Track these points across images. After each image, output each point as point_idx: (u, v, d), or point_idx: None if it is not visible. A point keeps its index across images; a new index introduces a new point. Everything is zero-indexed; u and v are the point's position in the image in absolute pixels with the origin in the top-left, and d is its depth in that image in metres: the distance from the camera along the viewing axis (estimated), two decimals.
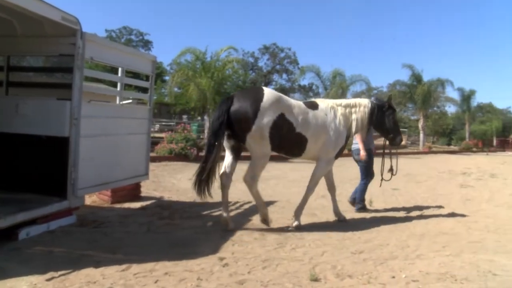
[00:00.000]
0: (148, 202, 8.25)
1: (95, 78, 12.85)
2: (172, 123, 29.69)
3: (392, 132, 7.58)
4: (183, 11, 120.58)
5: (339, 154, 7.21)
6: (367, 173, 8.57)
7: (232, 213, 7.65)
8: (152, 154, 14.61)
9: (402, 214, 8.25)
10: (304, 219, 7.24)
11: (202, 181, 6.35)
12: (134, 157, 7.73)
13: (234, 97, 6.26)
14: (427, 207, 9.02)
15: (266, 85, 60.13)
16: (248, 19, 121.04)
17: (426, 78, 38.18)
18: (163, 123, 33.33)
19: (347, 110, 7.17)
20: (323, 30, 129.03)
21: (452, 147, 48.88)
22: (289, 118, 6.33)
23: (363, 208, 8.49)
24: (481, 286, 4.22)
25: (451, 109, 62.19)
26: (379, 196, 10.11)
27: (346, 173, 14.29)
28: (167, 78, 43.57)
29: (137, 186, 8.54)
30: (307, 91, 59.40)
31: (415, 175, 15.70)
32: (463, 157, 31.00)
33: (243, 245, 5.55)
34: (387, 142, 7.78)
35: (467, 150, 41.34)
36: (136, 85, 11.43)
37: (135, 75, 14.54)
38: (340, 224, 7.06)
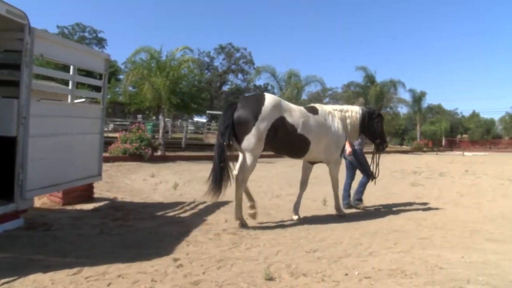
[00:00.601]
0: (101, 203, 8.06)
1: (46, 76, 12.46)
2: (126, 123, 29.22)
3: (379, 137, 8.30)
4: (139, 10, 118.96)
5: (341, 155, 7.97)
6: (366, 170, 9.02)
7: (187, 214, 7.62)
8: (105, 154, 14.30)
9: (355, 212, 8.40)
10: (259, 219, 7.27)
11: (216, 181, 6.69)
12: (86, 157, 7.54)
13: (239, 103, 6.82)
14: (380, 206, 9.24)
15: (222, 85, 60.09)
16: (204, 19, 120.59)
17: (379, 79, 39.09)
18: (117, 123, 32.76)
19: (343, 115, 7.89)
20: (279, 31, 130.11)
21: (404, 147, 50.34)
22: (290, 121, 6.89)
23: (359, 203, 9.04)
24: (429, 280, 4.34)
25: (403, 110, 64.10)
26: (332, 195, 10.24)
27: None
28: (121, 77, 42.77)
29: (89, 187, 8.32)
30: (262, 91, 59.67)
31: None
32: (414, 157, 31.92)
33: (198, 245, 5.50)
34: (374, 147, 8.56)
35: (418, 149, 42.59)
36: (89, 84, 11.14)
37: (88, 74, 14.22)
38: (295, 223, 7.11)
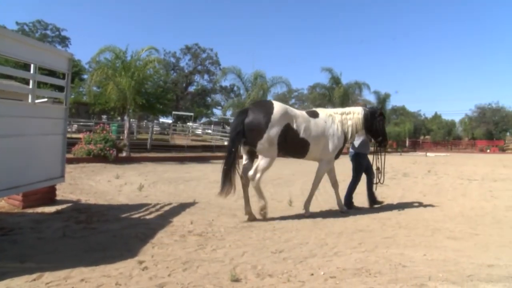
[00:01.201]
0: (64, 206, 7.89)
1: (5, 75, 12.11)
2: (91, 123, 28.61)
3: (381, 135, 8.88)
4: (103, 8, 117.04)
5: (339, 155, 8.47)
6: (355, 174, 9.44)
7: (152, 215, 7.51)
8: (69, 156, 14.06)
9: (321, 213, 8.45)
10: (225, 220, 7.27)
11: (226, 181, 7.37)
12: (48, 158, 7.35)
13: (249, 110, 7.46)
14: (346, 206, 9.29)
15: (187, 85, 59.68)
16: (170, 19, 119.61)
17: (344, 81, 39.54)
18: (81, 123, 32.07)
19: (343, 117, 8.42)
20: (246, 32, 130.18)
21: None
22: (294, 126, 7.58)
23: (375, 203, 9.53)
24: (392, 278, 4.40)
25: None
26: (299, 196, 10.31)
27: (268, 173, 14.44)
28: (85, 76, 41.95)
29: (52, 189, 8.14)
30: (228, 93, 59.59)
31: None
32: None
33: (163, 247, 5.44)
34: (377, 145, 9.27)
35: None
36: (52, 83, 10.88)
37: (51, 73, 13.89)
38: (260, 225, 7.11)
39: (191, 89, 62.27)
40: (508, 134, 72.71)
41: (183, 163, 19.87)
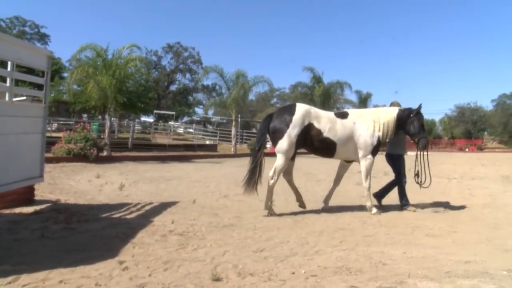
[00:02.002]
0: (43, 206, 7.78)
1: None
2: (71, 122, 28.33)
3: (417, 135, 8.63)
4: (85, 6, 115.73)
5: (375, 152, 8.55)
6: (397, 175, 9.21)
7: (133, 215, 7.45)
8: (48, 155, 13.88)
9: (302, 211, 8.46)
10: (206, 219, 7.24)
11: (251, 180, 8.05)
12: (26, 158, 7.23)
13: (274, 114, 8.37)
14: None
15: (169, 84, 59.37)
16: (152, 17, 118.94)
17: (326, 80, 39.67)
18: (61, 122, 31.74)
19: (376, 116, 8.55)
20: (228, 31, 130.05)
21: None
22: (317, 127, 8.08)
23: (406, 205, 9.06)
24: (373, 276, 4.43)
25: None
26: (280, 194, 10.32)
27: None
28: (66, 75, 41.36)
29: (30, 189, 8.01)
30: (210, 91, 59.44)
31: (316, 174, 16.26)
32: None
33: (144, 247, 5.39)
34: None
35: None
36: (31, 82, 10.71)
37: (30, 71, 13.67)
38: (242, 224, 7.10)
39: (173, 87, 62.04)
40: (485, 133, 73.93)
41: (164, 162, 19.76)
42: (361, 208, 8.88)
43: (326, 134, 8.12)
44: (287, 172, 8.53)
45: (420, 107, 8.62)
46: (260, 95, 70.32)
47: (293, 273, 4.52)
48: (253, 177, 8.08)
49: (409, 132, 8.67)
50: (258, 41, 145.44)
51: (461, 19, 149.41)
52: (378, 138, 8.44)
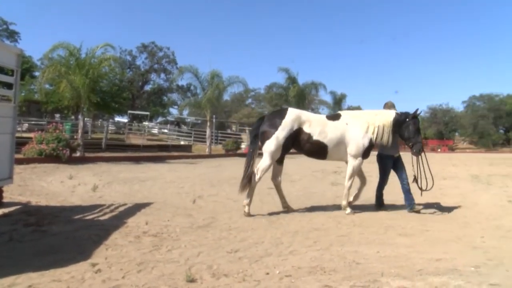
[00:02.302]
0: (12, 208, 7.62)
1: None
2: (43, 122, 27.85)
3: (411, 140, 8.59)
4: (57, 3, 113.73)
5: (366, 155, 8.64)
6: (381, 174, 9.37)
7: (106, 216, 7.37)
8: (18, 156, 13.61)
9: (277, 212, 8.49)
10: (180, 220, 7.21)
11: (245, 179, 8.20)
12: None
13: (266, 117, 8.64)
14: (301, 205, 9.39)
15: (144, 84, 58.85)
16: (126, 16, 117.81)
17: (301, 81, 39.89)
18: (33, 122, 31.15)
19: (371, 118, 8.54)
20: (203, 31, 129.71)
21: None
22: (307, 130, 8.24)
23: (381, 206, 9.31)
24: (346, 275, 4.48)
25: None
26: (255, 195, 10.32)
27: (225, 173, 14.48)
28: (37, 73, 40.54)
29: None
30: (185, 92, 59.10)
31: (291, 175, 16.29)
32: None
33: (117, 249, 5.33)
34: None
35: None
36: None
37: None
38: (216, 224, 7.08)
39: (147, 88, 61.36)
40: (456, 134, 75.27)
41: (138, 163, 19.58)
42: (336, 208, 8.97)
43: (316, 137, 8.23)
44: (275, 175, 8.70)
45: (416, 111, 8.67)
46: (235, 96, 70.26)
47: (268, 273, 4.54)
48: (246, 177, 8.22)
49: (404, 136, 8.66)
50: (234, 42, 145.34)
51: (431, 22, 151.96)
52: (370, 140, 8.47)
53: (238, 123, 54.58)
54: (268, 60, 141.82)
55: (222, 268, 4.67)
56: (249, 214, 7.98)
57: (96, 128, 35.29)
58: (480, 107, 68.67)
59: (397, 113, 8.67)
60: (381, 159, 9.22)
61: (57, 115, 37.76)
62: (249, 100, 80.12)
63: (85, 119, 23.22)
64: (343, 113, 8.95)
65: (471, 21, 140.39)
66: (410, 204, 8.79)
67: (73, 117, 32.04)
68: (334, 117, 8.80)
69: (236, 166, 19.89)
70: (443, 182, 14.56)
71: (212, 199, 9.70)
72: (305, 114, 8.58)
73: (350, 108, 69.19)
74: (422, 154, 8.81)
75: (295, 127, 8.18)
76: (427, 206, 9.37)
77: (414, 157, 8.88)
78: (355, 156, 8.52)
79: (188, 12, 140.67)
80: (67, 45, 20.12)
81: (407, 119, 8.56)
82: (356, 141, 8.42)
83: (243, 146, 33.52)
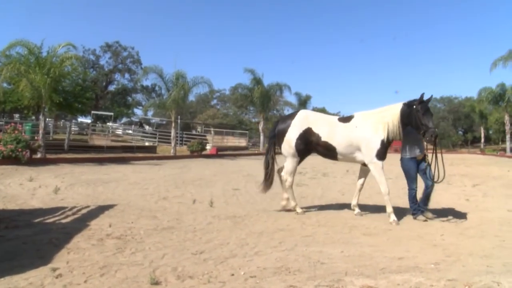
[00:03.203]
0: None
1: None
2: (0, 123, 27.04)
3: (422, 128, 7.79)
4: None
5: (381, 156, 8.14)
6: (408, 181, 8.48)
7: (68, 219, 7.21)
8: None
9: (242, 213, 8.48)
10: (145, 222, 7.13)
11: (267, 179, 8.87)
12: None
13: (280, 119, 9.21)
14: (266, 206, 9.43)
15: (108, 84, 57.93)
16: (89, 15, 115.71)
17: (266, 82, 40.10)
18: None
19: (379, 116, 8.21)
20: (168, 32, 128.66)
21: None
22: (316, 131, 8.35)
23: (417, 213, 8.24)
24: (311, 275, 4.51)
25: (289, 112, 66.25)
26: (220, 196, 10.33)
27: (190, 174, 14.38)
28: None
29: None
30: (149, 92, 58.47)
31: (255, 175, 16.28)
32: None
33: (79, 252, 5.22)
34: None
35: None
36: None
37: None
38: (181, 226, 7.02)
39: (111, 88, 60.35)
40: None
41: (102, 164, 19.23)
42: (301, 208, 9.03)
43: (324, 138, 8.28)
44: (294, 172, 8.79)
45: (422, 96, 7.90)
46: (200, 97, 70.06)
47: (233, 274, 4.53)
48: (267, 177, 8.89)
49: (413, 125, 7.91)
50: (199, 42, 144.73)
51: (397, 22, 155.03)
52: (382, 140, 8.04)
53: (203, 124, 54.35)
54: (234, 61, 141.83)
55: (187, 270, 4.64)
56: (302, 212, 8.56)
57: (58, 128, 34.51)
58: (440, 109, 70.50)
59: (404, 104, 8.07)
60: (402, 163, 8.53)
61: (17, 115, 36.73)
62: (214, 101, 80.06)
63: (47, 119, 22.68)
64: (356, 114, 8.61)
65: (430, 25, 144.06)
66: (415, 213, 8.25)
67: (33, 117, 31.18)
68: (346, 119, 8.70)
69: (201, 167, 19.85)
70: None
71: (177, 201, 9.63)
72: (314, 115, 8.75)
73: (314, 109, 70.05)
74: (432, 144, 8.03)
75: (304, 128, 8.36)
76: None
77: (430, 146, 8.20)
78: (371, 160, 8.15)
79: (152, 11, 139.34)
80: (26, 43, 19.52)
81: (414, 106, 7.82)
82: (366, 144, 8.11)
83: (208, 147, 33.42)
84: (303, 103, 51.07)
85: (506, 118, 44.02)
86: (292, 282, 4.24)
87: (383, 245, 6.09)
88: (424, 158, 8.33)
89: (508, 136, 44.22)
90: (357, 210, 8.71)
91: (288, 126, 8.48)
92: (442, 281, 4.10)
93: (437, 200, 10.02)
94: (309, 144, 8.40)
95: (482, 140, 56.13)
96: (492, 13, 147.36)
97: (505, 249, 5.68)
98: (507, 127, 43.96)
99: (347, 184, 14.28)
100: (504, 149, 46.01)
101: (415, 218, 8.15)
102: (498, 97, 44.81)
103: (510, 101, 44.92)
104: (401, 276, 4.30)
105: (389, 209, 8.01)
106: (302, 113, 8.72)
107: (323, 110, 79.48)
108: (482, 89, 47.19)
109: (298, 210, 8.55)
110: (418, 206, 8.27)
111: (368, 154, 8.14)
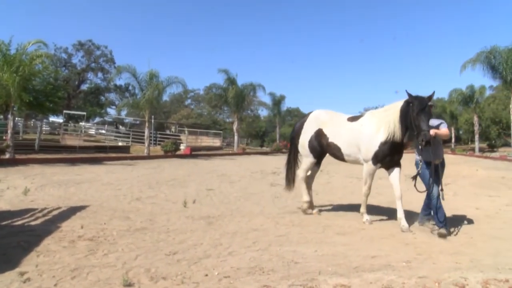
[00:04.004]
0: None
1: None
2: None
3: (415, 129, 6.88)
4: None
5: (377, 159, 7.49)
6: (426, 187, 7.28)
7: (38, 221, 7.05)
8: None
9: (216, 213, 8.46)
10: (118, 223, 7.06)
11: (288, 179, 9.25)
12: None
13: (298, 120, 9.46)
14: (240, 206, 9.43)
15: (80, 83, 57.09)
16: (61, 12, 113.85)
17: (240, 82, 40.15)
18: None
19: (384, 115, 7.54)
20: (142, 30, 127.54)
21: (265, 149, 52.21)
22: (325, 131, 8.30)
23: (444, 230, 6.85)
24: (285, 274, 4.53)
25: (264, 112, 66.57)
26: (194, 197, 10.29)
27: (163, 174, 14.27)
28: None
29: None
30: (123, 92, 57.84)
31: (229, 176, 16.34)
32: (274, 158, 33.20)
33: (49, 255, 5.12)
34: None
35: (277, 151, 44.36)
36: None
37: None
38: (154, 227, 6.96)
39: (84, 87, 59.40)
40: None
41: (74, 165, 18.92)
42: (274, 208, 9.06)
43: (331, 139, 8.21)
44: (308, 175, 8.91)
45: (432, 95, 7.04)
46: (174, 96, 69.58)
47: (207, 275, 4.52)
48: (289, 177, 9.20)
49: (409, 126, 7.07)
50: (173, 42, 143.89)
51: (371, 23, 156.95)
52: (381, 142, 7.34)
53: (177, 124, 54.00)
54: (209, 60, 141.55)
55: (160, 271, 4.61)
56: (316, 211, 8.67)
57: (29, 128, 33.84)
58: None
59: (405, 101, 7.19)
60: (416, 167, 7.52)
61: None
62: (188, 101, 79.65)
63: (16, 118, 22.21)
64: (367, 113, 8.27)
65: (398, 26, 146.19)
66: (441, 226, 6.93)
67: (1, 116, 30.52)
68: (355, 118, 8.21)
69: (175, 167, 19.73)
70: (378, 182, 15.05)
71: (150, 201, 9.54)
72: (325, 115, 8.57)
73: (288, 109, 70.40)
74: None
75: (315, 129, 8.42)
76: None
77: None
78: (365, 160, 7.67)
79: (126, 10, 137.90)
80: None
81: (411, 104, 6.95)
82: (365, 143, 7.60)
83: (182, 147, 33.23)
84: (277, 103, 51.33)
85: (475, 119, 45.19)
86: (266, 282, 4.25)
87: (357, 244, 6.16)
88: (442, 164, 7.33)
89: (476, 137, 45.39)
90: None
91: (302, 127, 8.69)
92: (414, 279, 4.18)
93: (410, 200, 10.13)
94: (321, 145, 8.39)
95: (453, 140, 57.21)
96: (464, 15, 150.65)
97: (472, 246, 5.82)
98: (476, 128, 45.14)
99: (320, 184, 14.38)
100: (473, 149, 47.00)
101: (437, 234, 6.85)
102: (467, 98, 45.94)
103: (479, 103, 46.14)
104: (374, 275, 4.36)
105: (363, 209, 7.95)
106: (314, 113, 8.72)
107: (297, 110, 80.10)
108: (452, 91, 48.35)
109: (314, 211, 8.69)
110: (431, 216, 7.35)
111: (365, 154, 7.64)
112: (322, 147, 8.42)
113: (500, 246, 6.07)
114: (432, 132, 6.76)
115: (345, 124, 8.20)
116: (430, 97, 6.96)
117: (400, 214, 7.33)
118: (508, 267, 4.85)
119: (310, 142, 8.46)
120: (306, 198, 8.68)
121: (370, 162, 7.58)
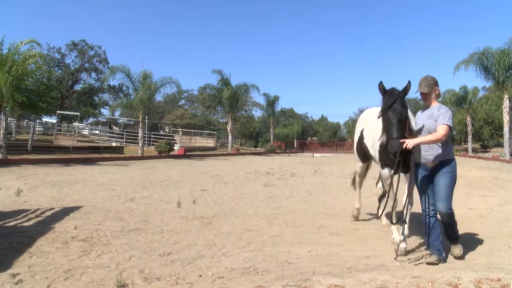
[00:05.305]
0: None
1: None
2: None
3: (384, 130, 5.38)
4: None
5: (383, 161, 5.90)
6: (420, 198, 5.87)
7: (31, 222, 7.02)
8: None
9: (210, 214, 8.44)
10: (111, 224, 7.04)
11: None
12: None
13: None
14: (234, 207, 9.42)
15: (74, 84, 56.87)
16: (54, 11, 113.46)
17: (234, 83, 40.21)
18: None
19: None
20: (136, 30, 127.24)
21: (259, 149, 52.30)
22: (364, 132, 7.02)
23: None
24: (279, 275, 4.54)
25: (257, 113, 66.67)
26: (187, 197, 10.27)
27: (157, 175, 14.24)
28: None
29: None
30: (117, 92, 57.67)
31: (223, 176, 16.33)
32: (268, 158, 33.27)
33: (42, 256, 5.09)
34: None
35: (271, 151, 44.47)
36: None
37: None
38: (148, 227, 6.95)
39: (78, 87, 59.10)
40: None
41: (68, 165, 18.85)
42: (268, 209, 9.06)
43: (364, 139, 6.90)
44: (360, 175, 8.08)
45: (383, 90, 5.36)
46: (168, 97, 69.56)
47: (201, 275, 4.52)
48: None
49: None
50: (167, 42, 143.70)
51: (364, 24, 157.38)
52: (381, 142, 5.64)
53: (171, 124, 53.97)
54: (202, 61, 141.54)
55: (154, 272, 4.60)
56: (357, 218, 8.13)
57: (22, 128, 33.73)
58: None
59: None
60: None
61: None
62: (182, 101, 79.61)
63: (9, 119, 22.09)
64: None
65: (397, 26, 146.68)
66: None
67: None
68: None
69: (169, 167, 19.70)
70: (372, 182, 15.07)
71: (144, 202, 9.52)
72: (368, 114, 7.12)
73: (282, 110, 70.45)
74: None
75: (361, 129, 7.12)
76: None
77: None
78: (376, 160, 6.39)
79: (120, 10, 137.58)
80: None
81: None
82: (370, 145, 6.62)
83: (176, 147, 33.20)
84: (272, 103, 51.43)
85: (468, 119, 45.34)
86: (260, 283, 4.25)
87: (350, 244, 6.18)
88: (442, 165, 5.24)
89: (469, 137, 45.61)
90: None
91: (355, 128, 7.71)
92: (407, 278, 4.20)
93: (402, 200, 10.18)
94: (364, 147, 6.96)
95: None
96: (457, 16, 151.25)
97: (465, 246, 5.83)
98: (469, 128, 45.33)
99: (314, 185, 14.43)
100: (466, 149, 47.20)
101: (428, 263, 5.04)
102: (461, 99, 46.02)
103: (472, 103, 46.32)
104: (368, 275, 4.38)
105: (380, 214, 7.00)
106: (363, 113, 7.79)
107: (291, 111, 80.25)
108: (446, 91, 48.38)
109: (355, 212, 8.10)
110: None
111: (374, 155, 6.42)
112: (364, 151, 7.05)
113: (492, 246, 6.12)
114: (410, 142, 4.96)
115: (375, 122, 6.03)
116: (405, 90, 5.18)
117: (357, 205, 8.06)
118: (500, 266, 4.90)
119: (356, 145, 7.44)
120: (357, 205, 8.09)
121: (379, 166, 6.18)
